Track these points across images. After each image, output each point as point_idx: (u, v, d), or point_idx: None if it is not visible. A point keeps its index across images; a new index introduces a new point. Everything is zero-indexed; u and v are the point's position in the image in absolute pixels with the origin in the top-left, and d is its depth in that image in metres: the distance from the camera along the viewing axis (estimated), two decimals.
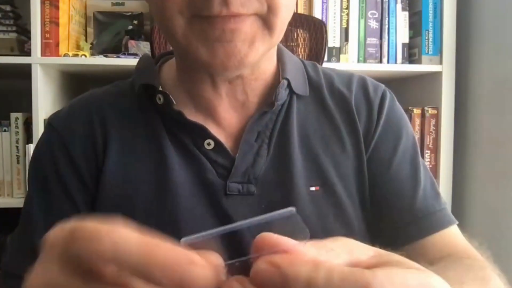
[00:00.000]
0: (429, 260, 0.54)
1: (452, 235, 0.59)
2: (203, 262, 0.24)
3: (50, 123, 0.59)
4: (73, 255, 0.25)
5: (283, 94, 0.57)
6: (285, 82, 0.57)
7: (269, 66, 0.58)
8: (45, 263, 0.26)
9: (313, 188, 0.56)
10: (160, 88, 0.56)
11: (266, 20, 0.48)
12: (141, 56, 0.65)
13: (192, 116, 0.56)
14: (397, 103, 0.63)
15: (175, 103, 0.55)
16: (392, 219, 0.58)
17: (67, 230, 0.25)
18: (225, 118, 0.57)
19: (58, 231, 0.26)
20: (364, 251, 0.27)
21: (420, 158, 0.62)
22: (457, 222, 0.60)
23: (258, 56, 0.49)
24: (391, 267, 0.25)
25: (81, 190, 0.56)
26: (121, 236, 0.24)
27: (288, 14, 0.52)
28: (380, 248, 0.28)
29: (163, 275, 0.23)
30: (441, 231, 0.58)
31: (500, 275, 0.49)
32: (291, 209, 0.26)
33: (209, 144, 0.55)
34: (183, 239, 0.26)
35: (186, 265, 0.23)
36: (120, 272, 0.24)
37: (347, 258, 0.26)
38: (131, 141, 0.57)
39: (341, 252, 0.26)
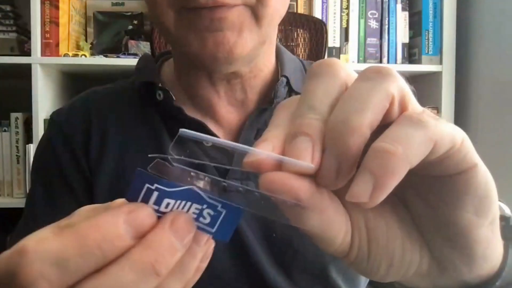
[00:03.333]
0: None
1: None
2: (137, 205, 0.24)
3: (52, 118, 0.60)
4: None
5: (282, 91, 0.57)
6: (284, 79, 0.57)
7: (267, 63, 0.58)
8: None
9: None
10: (160, 85, 0.57)
11: (255, 11, 0.48)
12: (141, 55, 0.65)
13: (191, 113, 0.56)
14: None
15: (175, 99, 0.55)
16: None
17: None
18: (223, 116, 0.57)
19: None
20: None
21: None
22: None
23: (247, 47, 0.49)
24: None
25: (83, 184, 0.56)
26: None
27: (279, 7, 0.52)
28: None
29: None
30: None
31: None
32: None
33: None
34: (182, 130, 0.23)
35: (126, 216, 0.23)
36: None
37: None
38: (131, 138, 0.57)
39: None
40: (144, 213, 0.24)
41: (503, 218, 0.30)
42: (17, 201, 1.39)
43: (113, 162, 0.56)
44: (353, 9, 1.49)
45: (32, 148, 1.36)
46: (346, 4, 1.49)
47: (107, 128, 0.57)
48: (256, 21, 0.49)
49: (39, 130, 1.33)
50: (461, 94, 1.48)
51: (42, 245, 0.22)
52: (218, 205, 0.24)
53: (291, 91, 0.59)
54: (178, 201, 0.24)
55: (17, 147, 1.41)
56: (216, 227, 0.25)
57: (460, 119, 1.48)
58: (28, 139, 1.40)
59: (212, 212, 0.25)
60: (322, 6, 1.47)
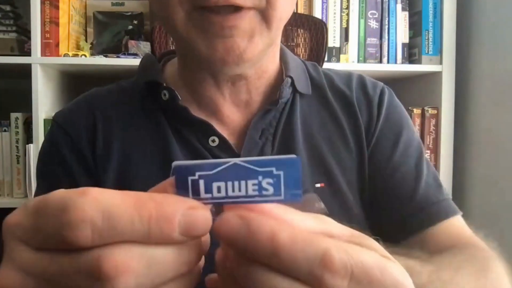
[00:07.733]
0: (433, 251, 0.52)
1: (456, 225, 0.58)
2: (200, 204, 0.23)
3: (55, 120, 0.60)
4: (39, 230, 0.23)
5: (287, 91, 0.58)
6: (289, 80, 0.58)
7: (271, 64, 0.58)
8: (10, 249, 0.24)
9: (318, 185, 0.56)
10: (165, 85, 0.56)
11: (264, 14, 0.48)
12: (142, 55, 0.65)
13: (196, 113, 0.56)
14: (396, 98, 0.64)
15: (180, 98, 0.55)
16: (394, 211, 0.58)
17: (30, 207, 0.24)
18: (228, 117, 0.57)
19: (21, 211, 0.24)
20: (339, 228, 0.26)
21: (423, 151, 0.62)
22: (461, 213, 0.59)
23: (257, 51, 0.49)
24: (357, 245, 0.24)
25: (89, 183, 0.56)
26: (103, 197, 0.22)
27: (287, 9, 0.52)
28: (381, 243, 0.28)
29: (160, 230, 0.22)
30: (445, 221, 0.56)
31: (506, 266, 0.48)
32: (294, 156, 0.23)
33: (213, 141, 0.56)
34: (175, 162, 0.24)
35: (185, 211, 0.23)
36: (95, 237, 0.22)
37: (320, 228, 0.25)
38: (135, 138, 0.57)
39: (315, 220, 0.25)
40: (201, 217, 0.23)
41: None
42: (17, 201, 1.39)
43: (118, 161, 0.56)
44: (353, 9, 1.49)
45: (32, 148, 1.36)
46: (346, 4, 1.49)
47: (111, 127, 0.57)
48: (266, 25, 0.49)
49: (39, 130, 1.33)
50: (461, 94, 1.48)
51: (104, 195, 0.22)
52: (272, 168, 0.23)
53: (295, 92, 0.59)
54: (229, 182, 0.23)
55: (17, 147, 1.41)
56: (282, 192, 0.23)
57: (460, 119, 1.48)
58: (28, 139, 1.40)
59: (271, 180, 0.23)
60: (322, 6, 1.47)
